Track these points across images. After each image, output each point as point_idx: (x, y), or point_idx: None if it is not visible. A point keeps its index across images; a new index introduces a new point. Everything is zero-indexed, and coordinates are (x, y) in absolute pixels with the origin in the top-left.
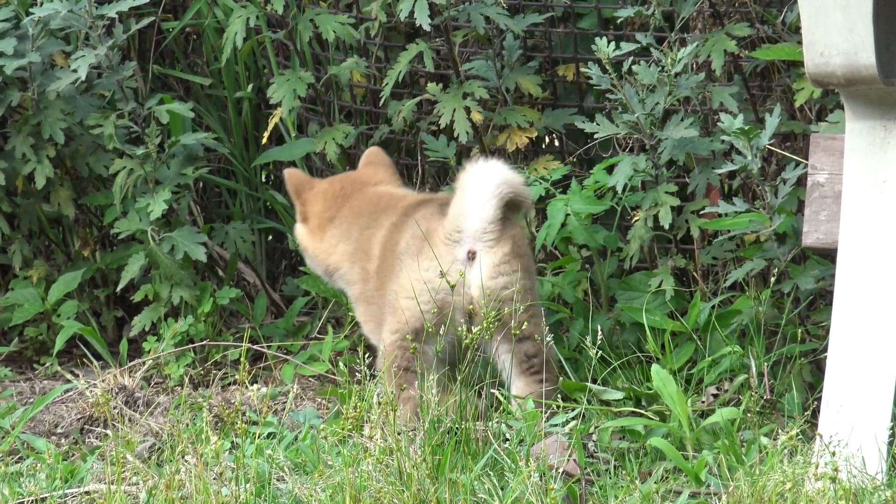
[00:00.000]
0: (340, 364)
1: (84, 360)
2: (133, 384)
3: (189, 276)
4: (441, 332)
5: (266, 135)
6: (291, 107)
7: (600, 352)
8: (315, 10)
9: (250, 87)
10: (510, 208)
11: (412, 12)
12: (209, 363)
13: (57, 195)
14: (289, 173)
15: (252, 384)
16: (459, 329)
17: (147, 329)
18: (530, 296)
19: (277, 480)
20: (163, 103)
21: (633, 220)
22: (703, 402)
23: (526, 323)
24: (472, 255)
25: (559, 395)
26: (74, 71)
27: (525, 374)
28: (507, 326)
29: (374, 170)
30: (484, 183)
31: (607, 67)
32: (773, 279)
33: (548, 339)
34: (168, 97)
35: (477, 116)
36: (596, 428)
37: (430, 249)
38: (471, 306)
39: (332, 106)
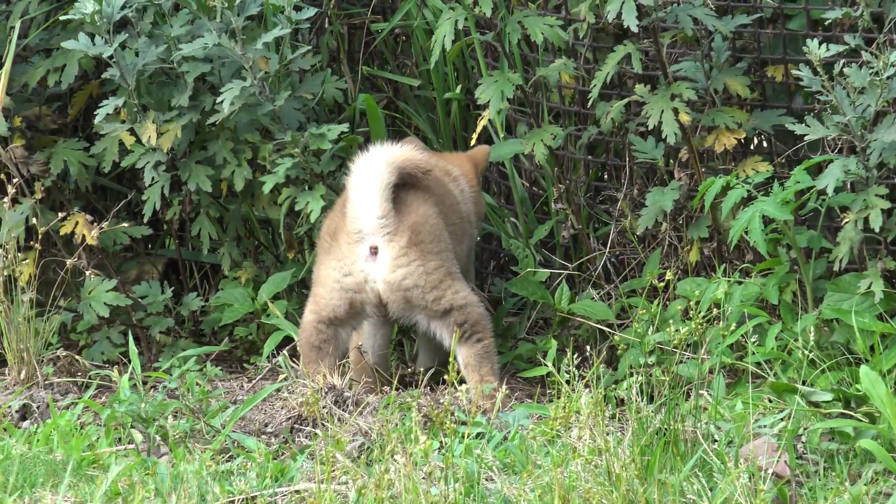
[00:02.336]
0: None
1: (294, 359)
2: (342, 384)
3: None
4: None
5: (475, 136)
6: (499, 108)
7: (810, 353)
8: (524, 11)
9: (459, 88)
10: (410, 186)
11: (620, 14)
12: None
13: (260, 199)
14: None
15: (461, 384)
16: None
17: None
18: (440, 273)
19: (486, 480)
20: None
21: (843, 223)
22: None
23: (441, 298)
24: (374, 251)
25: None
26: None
27: (462, 341)
28: (423, 308)
29: None
30: (367, 178)
31: (818, 69)
32: None
33: (467, 299)
34: (370, 98)
35: (685, 117)
36: (805, 429)
37: (337, 248)
38: (379, 299)
39: (540, 107)
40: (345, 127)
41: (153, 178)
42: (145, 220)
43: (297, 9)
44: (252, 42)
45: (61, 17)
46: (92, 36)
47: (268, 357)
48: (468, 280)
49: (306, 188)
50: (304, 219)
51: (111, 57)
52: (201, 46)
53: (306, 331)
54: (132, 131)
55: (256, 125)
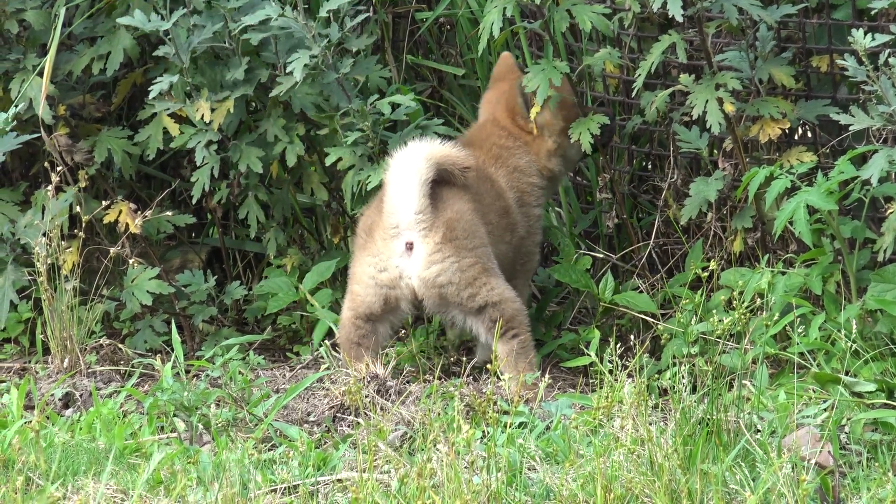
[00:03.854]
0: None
1: (336, 348)
2: (385, 373)
3: None
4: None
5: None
6: (546, 95)
7: (853, 343)
8: (571, 0)
9: None
10: (446, 183)
11: (665, 3)
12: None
13: (309, 180)
14: None
15: (502, 374)
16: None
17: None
18: (475, 269)
19: (528, 469)
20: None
21: (888, 213)
22: None
23: (476, 295)
24: (409, 246)
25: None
26: (291, 73)
27: (500, 338)
28: (458, 305)
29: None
30: (405, 173)
31: (863, 59)
32: None
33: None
34: (406, 89)
35: (729, 107)
36: (848, 420)
37: (373, 244)
38: (414, 295)
39: (585, 96)
40: (411, 101)
41: (204, 159)
42: (194, 201)
43: None
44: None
45: None
46: (146, 14)
47: (317, 346)
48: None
49: (370, 164)
50: (356, 197)
51: (167, 33)
52: (263, 17)
53: (345, 327)
54: (175, 118)
55: (312, 100)
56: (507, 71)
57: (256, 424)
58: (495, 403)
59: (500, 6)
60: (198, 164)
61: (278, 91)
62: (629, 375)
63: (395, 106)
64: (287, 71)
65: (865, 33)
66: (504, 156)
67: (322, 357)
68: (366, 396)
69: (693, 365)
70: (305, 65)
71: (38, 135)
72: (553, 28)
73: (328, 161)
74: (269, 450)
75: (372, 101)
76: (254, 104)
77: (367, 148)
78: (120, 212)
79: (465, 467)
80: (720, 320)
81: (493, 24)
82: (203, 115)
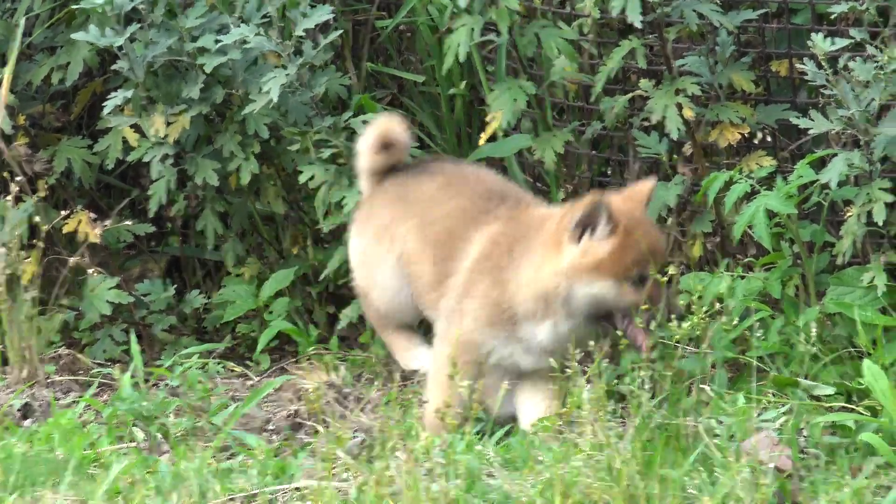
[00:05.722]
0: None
1: (295, 357)
2: (342, 380)
3: None
4: None
5: (484, 137)
6: (511, 116)
7: (812, 347)
8: (539, 22)
9: (463, 84)
10: None
11: (624, 9)
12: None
13: (266, 193)
14: None
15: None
16: None
17: (356, 322)
18: None
19: (487, 476)
20: (362, 111)
21: (846, 216)
22: None
23: None
24: None
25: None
26: (267, 92)
27: None
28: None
29: None
30: None
31: (822, 63)
32: None
33: None
34: (367, 99)
35: (689, 112)
36: (807, 423)
37: None
38: None
39: (544, 103)
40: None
41: (160, 173)
42: (150, 214)
43: (312, 6)
44: (288, 33)
45: (73, 6)
46: (101, 28)
47: (258, 353)
48: None
49: (345, 181)
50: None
51: (121, 48)
52: (238, 37)
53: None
54: (136, 128)
55: (272, 118)
56: None
57: (215, 433)
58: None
59: (468, 26)
60: (153, 178)
61: (250, 110)
62: (588, 381)
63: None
64: (264, 90)
65: (825, 38)
66: None
67: (283, 366)
68: (325, 404)
69: (652, 370)
70: (282, 84)
71: None
72: (519, 53)
73: (302, 179)
74: (228, 458)
75: (346, 118)
76: (212, 117)
77: (340, 166)
78: (79, 221)
79: (424, 474)
80: (679, 325)
81: (461, 46)
82: (157, 130)
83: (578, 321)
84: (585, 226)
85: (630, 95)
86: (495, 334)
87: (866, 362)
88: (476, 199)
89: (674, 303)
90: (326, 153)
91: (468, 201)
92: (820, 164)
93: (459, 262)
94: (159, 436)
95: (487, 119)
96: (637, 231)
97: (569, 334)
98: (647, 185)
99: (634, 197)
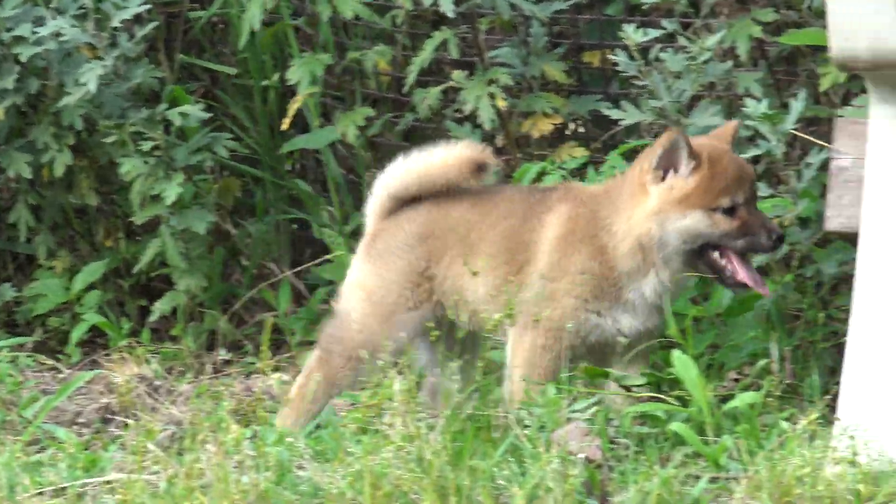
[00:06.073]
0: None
1: (107, 350)
2: (153, 373)
3: (202, 264)
4: None
5: (287, 121)
6: (310, 89)
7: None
8: None
9: (276, 76)
10: None
11: (437, 0)
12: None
13: (79, 185)
14: None
15: (274, 372)
16: None
17: (168, 314)
18: None
19: (297, 468)
20: (176, 103)
21: None
22: (723, 386)
23: None
24: None
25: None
26: (84, 84)
27: None
28: None
29: None
30: None
31: (634, 54)
32: (795, 263)
33: None
34: (180, 90)
35: (501, 103)
36: (617, 414)
37: None
38: None
39: (354, 94)
40: (200, 111)
41: None
42: None
43: None
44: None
45: None
46: None
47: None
48: None
49: (161, 174)
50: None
51: None
52: (54, 30)
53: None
54: None
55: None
56: None
57: (25, 427)
58: (265, 402)
59: None
60: None
61: (67, 101)
62: (399, 373)
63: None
64: (81, 82)
65: (637, 28)
66: None
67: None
68: (136, 397)
69: (463, 361)
70: (99, 75)
71: None
72: (319, 20)
73: (122, 171)
74: (38, 452)
75: (161, 109)
76: (24, 109)
77: (156, 158)
78: None
79: (234, 467)
80: (490, 316)
81: (255, 18)
82: None
83: (677, 267)
84: (668, 164)
85: (443, 87)
86: (600, 306)
87: (676, 352)
88: (517, 200)
89: (771, 226)
90: (147, 146)
91: (510, 203)
92: (632, 155)
93: (530, 255)
94: None
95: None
96: (722, 160)
97: (671, 285)
98: (731, 124)
99: (719, 134)
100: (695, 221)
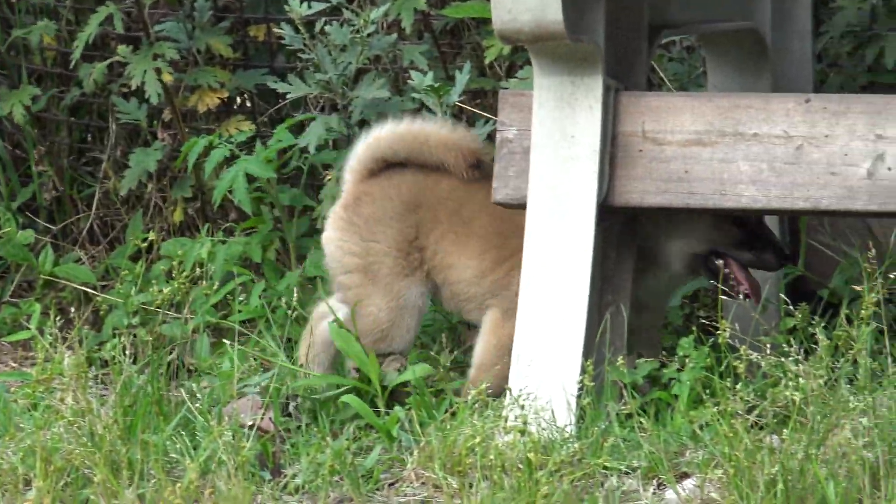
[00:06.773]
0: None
1: None
2: None
3: None
4: None
5: None
6: None
7: (294, 311)
8: None
9: None
10: None
11: None
12: None
13: None
14: None
15: None
16: None
17: None
18: None
19: None
20: None
21: (326, 180)
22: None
23: None
24: None
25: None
26: None
27: None
28: None
29: None
30: None
31: (299, 27)
32: None
33: None
34: None
35: (167, 77)
36: (289, 387)
37: None
38: None
39: (20, 69)
40: None
41: None
42: None
43: None
44: None
45: None
46: None
47: None
48: None
49: None
50: None
51: None
52: None
53: None
54: None
55: None
56: None
57: None
58: None
59: None
60: None
61: None
62: (69, 348)
63: None
64: None
65: (301, 2)
66: None
67: None
68: None
69: (134, 336)
70: None
71: None
72: None
73: None
74: None
75: None
76: None
77: None
78: None
79: None
80: (160, 290)
81: None
82: None
83: (678, 268)
84: None
85: (109, 61)
86: None
87: (332, 326)
88: None
89: (780, 245)
90: None
91: None
92: (299, 129)
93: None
94: None
95: None
96: None
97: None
98: None
99: None
100: (706, 226)
